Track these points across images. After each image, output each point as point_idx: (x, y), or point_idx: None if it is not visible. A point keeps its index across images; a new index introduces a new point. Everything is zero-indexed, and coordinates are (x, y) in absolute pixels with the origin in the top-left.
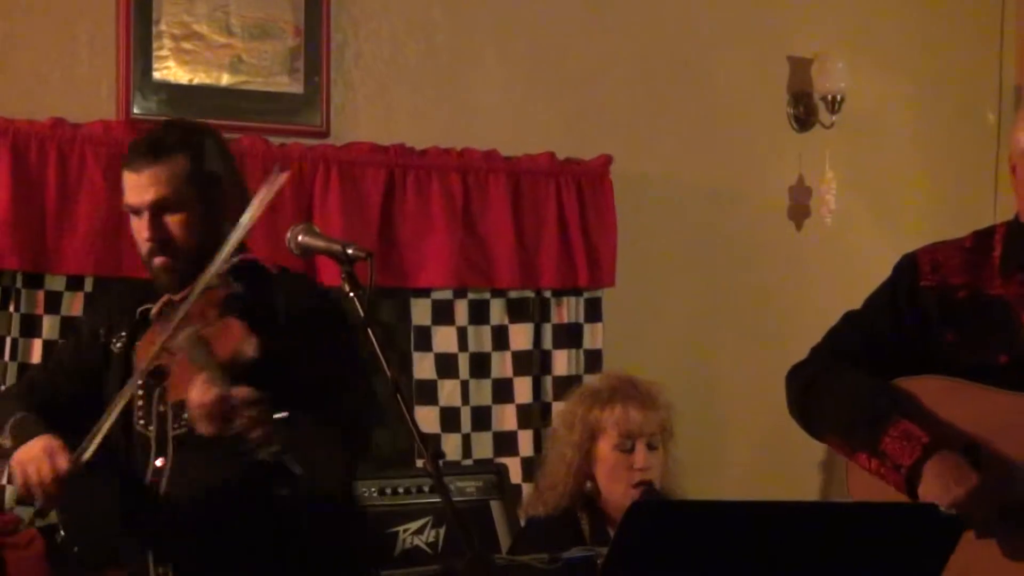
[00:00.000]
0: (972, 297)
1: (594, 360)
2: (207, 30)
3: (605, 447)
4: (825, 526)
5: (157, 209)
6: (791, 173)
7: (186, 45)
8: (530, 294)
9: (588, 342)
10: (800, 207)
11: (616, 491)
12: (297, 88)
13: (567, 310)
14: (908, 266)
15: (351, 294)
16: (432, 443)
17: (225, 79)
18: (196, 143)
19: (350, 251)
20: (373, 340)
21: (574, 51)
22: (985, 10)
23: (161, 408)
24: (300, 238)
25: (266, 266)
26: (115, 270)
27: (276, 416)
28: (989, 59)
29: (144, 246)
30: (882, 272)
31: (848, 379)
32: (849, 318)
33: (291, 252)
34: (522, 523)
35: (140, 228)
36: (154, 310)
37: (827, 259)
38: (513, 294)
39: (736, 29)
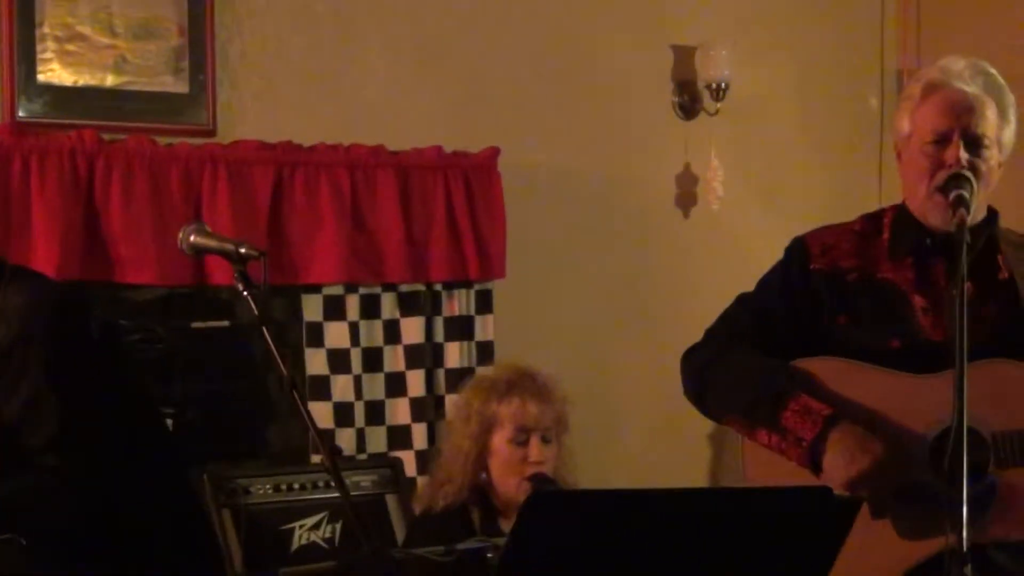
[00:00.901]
0: (862, 280)
1: (486, 352)
2: (90, 31)
3: (500, 440)
4: (721, 511)
5: None
6: (677, 161)
7: (70, 47)
8: (421, 287)
9: (480, 334)
10: (687, 194)
11: (509, 484)
12: (182, 87)
13: (458, 303)
14: (798, 249)
15: (245, 293)
16: (328, 438)
17: (110, 80)
18: None
19: (243, 250)
20: (268, 339)
21: (459, 43)
22: None
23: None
24: (192, 238)
25: None
26: None
27: None
28: (871, 44)
29: None
30: (769, 257)
31: (745, 358)
32: (742, 300)
33: (183, 252)
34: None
35: None
36: None
37: (714, 245)
38: (404, 288)
39: (620, 18)
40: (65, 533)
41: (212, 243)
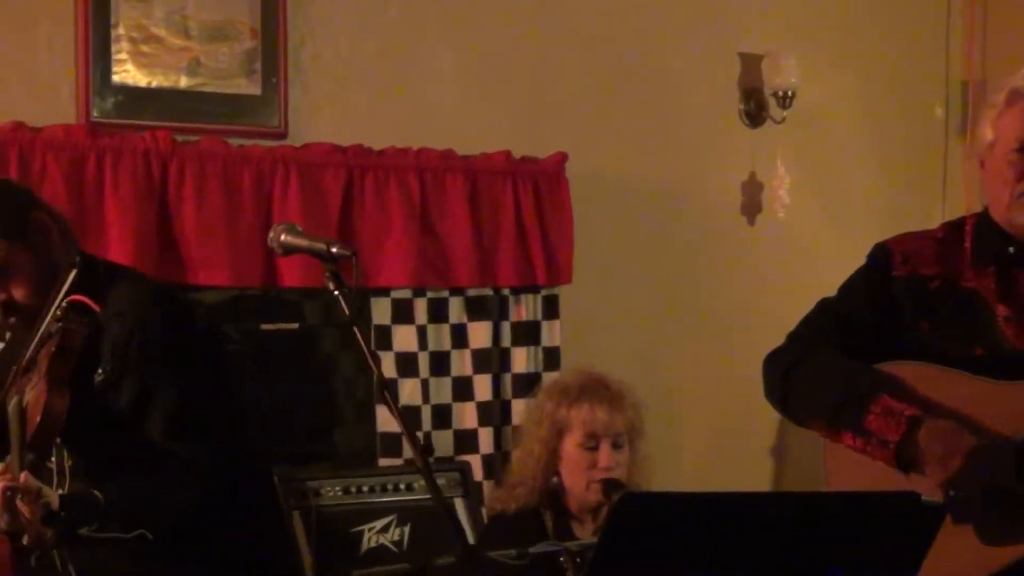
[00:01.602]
0: (945, 288)
1: (552, 357)
2: (165, 33)
3: (570, 444)
4: (808, 516)
5: None
6: (743, 169)
7: (144, 48)
8: (488, 292)
9: (546, 339)
10: (753, 202)
11: (579, 487)
12: (255, 90)
13: (525, 308)
14: (880, 255)
15: (336, 292)
16: (422, 438)
17: (183, 82)
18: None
19: (334, 250)
20: (360, 338)
21: (528, 50)
22: (932, 6)
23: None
24: (283, 237)
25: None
26: None
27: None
28: (936, 55)
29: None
30: (833, 265)
31: (828, 362)
32: (824, 305)
33: (274, 251)
34: (485, 520)
35: None
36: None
37: (779, 253)
38: (472, 292)
39: (687, 25)
40: (186, 527)
41: (303, 242)
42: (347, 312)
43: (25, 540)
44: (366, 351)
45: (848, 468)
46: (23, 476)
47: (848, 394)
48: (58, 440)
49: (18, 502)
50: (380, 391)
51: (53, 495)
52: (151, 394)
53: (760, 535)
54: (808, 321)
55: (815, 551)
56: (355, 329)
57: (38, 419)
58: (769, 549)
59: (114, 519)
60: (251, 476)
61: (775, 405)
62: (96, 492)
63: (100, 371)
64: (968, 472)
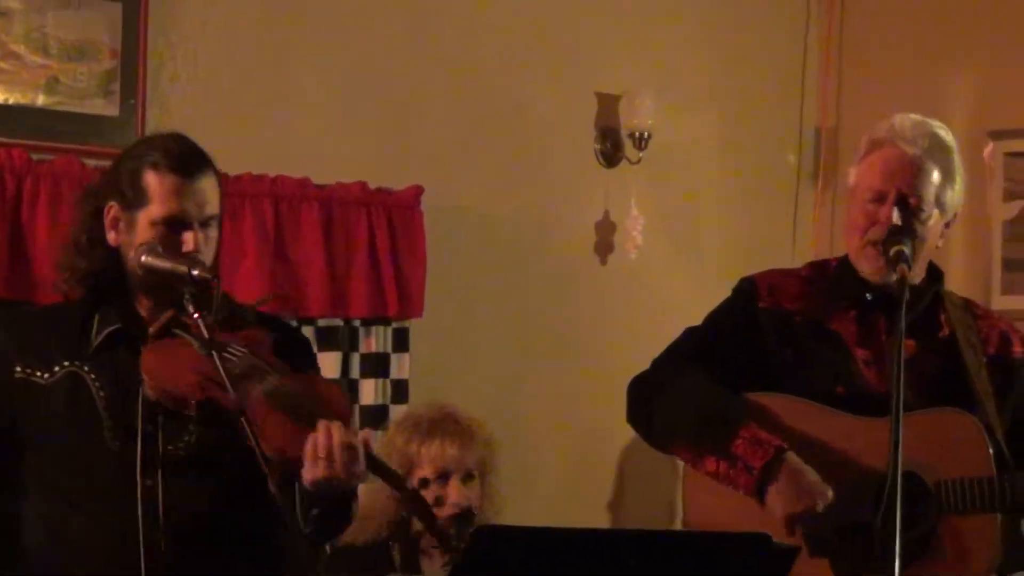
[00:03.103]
0: (808, 324)
1: (401, 390)
2: (24, 50)
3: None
4: (660, 554)
5: (207, 222)
6: (598, 208)
7: (2, 65)
8: (339, 323)
9: (395, 372)
10: (605, 242)
11: None
12: (113, 111)
13: (376, 340)
14: (747, 287)
15: (195, 316)
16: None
17: (41, 99)
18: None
19: (195, 272)
20: (218, 364)
21: (387, 80)
22: (788, 52)
23: (151, 427)
24: (144, 258)
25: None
26: None
27: None
28: (791, 100)
29: (195, 257)
30: (685, 306)
31: (696, 386)
32: (691, 333)
33: (133, 271)
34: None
35: (189, 240)
36: (155, 327)
37: (631, 293)
38: (322, 322)
39: (546, 63)
40: None
41: (165, 264)
42: (205, 336)
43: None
44: (224, 377)
45: (706, 500)
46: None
47: (716, 418)
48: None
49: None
50: (238, 418)
51: None
52: None
53: (612, 572)
54: (674, 348)
55: None
56: (213, 354)
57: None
58: None
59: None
60: None
61: (639, 429)
62: None
63: None
64: (814, 515)
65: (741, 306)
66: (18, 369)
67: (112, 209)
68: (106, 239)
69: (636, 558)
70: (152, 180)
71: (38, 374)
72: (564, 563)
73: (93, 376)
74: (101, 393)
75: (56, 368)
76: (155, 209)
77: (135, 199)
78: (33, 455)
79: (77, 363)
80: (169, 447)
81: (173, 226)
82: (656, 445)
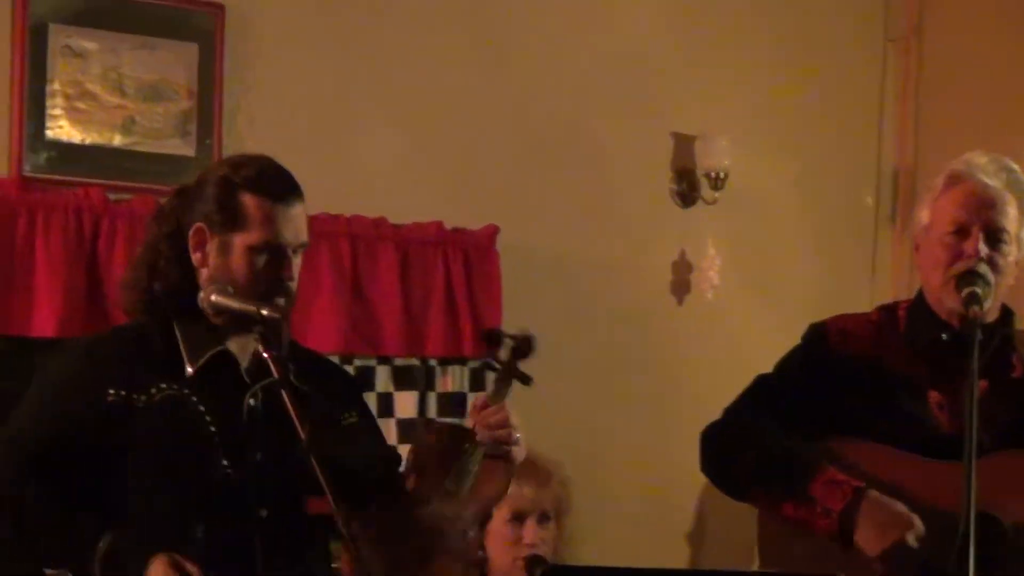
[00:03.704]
0: (880, 370)
1: None
2: (100, 90)
3: (496, 520)
4: None
5: (298, 250)
6: (674, 248)
7: (79, 104)
8: (416, 362)
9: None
10: (682, 282)
11: (504, 562)
12: (189, 150)
13: (452, 378)
14: (817, 334)
15: (265, 355)
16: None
17: (117, 139)
18: None
19: (264, 312)
20: (287, 401)
21: (463, 121)
22: (865, 94)
23: (259, 456)
24: (213, 297)
25: None
26: (2, 327)
27: None
28: (868, 142)
29: (289, 286)
30: (762, 346)
31: (770, 434)
32: (762, 380)
33: (203, 311)
34: None
35: (281, 266)
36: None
37: (707, 333)
38: (399, 361)
39: (623, 103)
40: None
41: (233, 303)
42: (276, 374)
43: None
44: (294, 414)
45: (781, 544)
46: None
47: (792, 464)
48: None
49: None
50: (307, 455)
51: None
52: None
53: None
54: (745, 396)
55: None
56: (283, 392)
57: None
58: None
59: None
60: None
61: (713, 478)
62: None
63: None
64: (905, 547)
65: (811, 353)
66: (111, 392)
67: (200, 230)
68: (186, 259)
69: None
70: (250, 203)
71: (135, 396)
72: None
73: (195, 399)
74: (207, 417)
75: (153, 390)
76: (254, 235)
77: (229, 221)
78: (135, 481)
79: (175, 386)
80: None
81: (271, 253)
82: (731, 494)
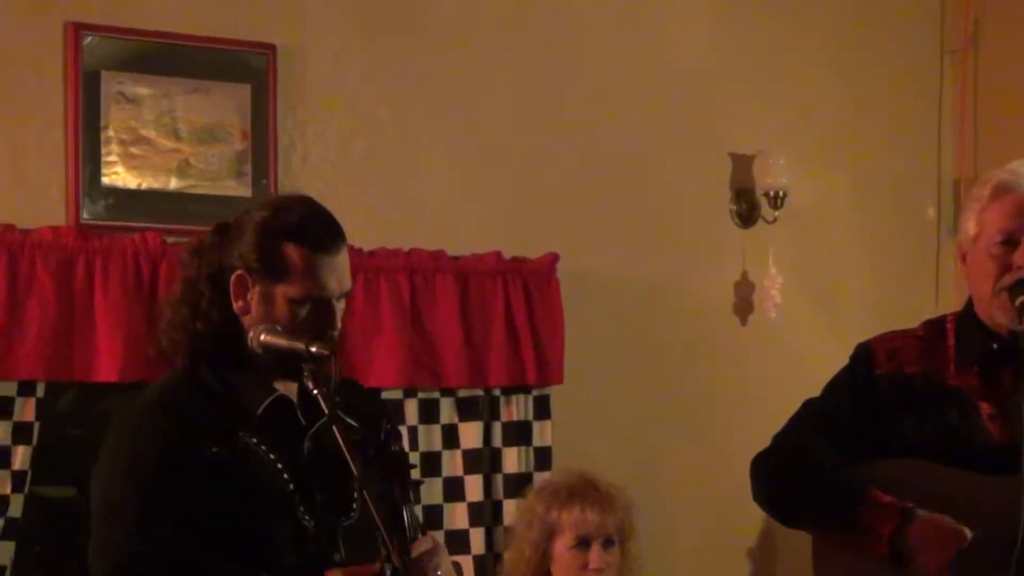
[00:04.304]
0: (928, 385)
1: (544, 457)
2: (154, 135)
3: (561, 546)
4: None
5: (342, 297)
6: (735, 269)
7: (134, 150)
8: (479, 392)
9: (537, 439)
10: (744, 302)
11: None
12: (245, 191)
13: (516, 408)
14: (863, 354)
15: (315, 392)
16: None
17: (173, 183)
18: None
19: (313, 349)
20: (339, 438)
21: (519, 150)
22: (923, 106)
23: (319, 499)
24: (263, 337)
25: None
26: (66, 374)
27: None
28: (928, 154)
29: (332, 334)
30: (826, 364)
31: (816, 462)
32: (809, 405)
33: (253, 351)
34: None
35: (325, 316)
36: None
37: (772, 353)
38: (462, 393)
39: (678, 126)
40: None
41: (283, 342)
42: (326, 411)
43: None
44: (345, 451)
45: (836, 561)
46: None
47: (838, 491)
48: None
49: None
50: (360, 491)
51: None
52: None
53: None
54: (793, 422)
55: None
56: (334, 428)
57: None
58: None
59: None
60: None
61: (764, 506)
62: None
63: None
64: (962, 560)
65: (858, 373)
66: (215, 450)
67: (241, 278)
68: (227, 302)
69: None
70: (293, 254)
71: (224, 451)
72: None
73: (264, 447)
74: (279, 465)
75: (233, 442)
76: (296, 287)
77: (272, 272)
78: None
79: (242, 433)
80: (342, 518)
81: (314, 304)
82: (784, 523)
